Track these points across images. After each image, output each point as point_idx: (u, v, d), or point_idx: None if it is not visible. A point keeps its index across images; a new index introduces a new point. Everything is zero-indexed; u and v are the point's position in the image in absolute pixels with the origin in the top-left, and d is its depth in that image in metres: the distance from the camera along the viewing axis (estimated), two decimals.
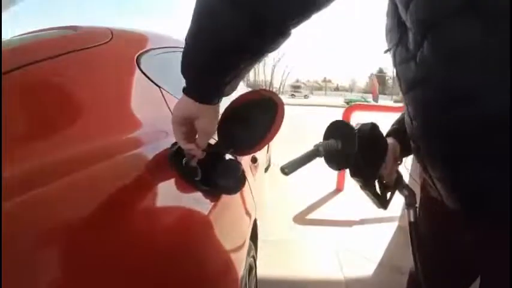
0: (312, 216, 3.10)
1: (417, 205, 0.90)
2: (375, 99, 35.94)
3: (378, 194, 0.94)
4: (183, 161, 0.70)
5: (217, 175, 0.74)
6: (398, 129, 0.97)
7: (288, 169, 0.68)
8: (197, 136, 0.67)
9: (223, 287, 0.77)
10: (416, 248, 0.85)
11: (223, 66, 0.58)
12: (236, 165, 0.78)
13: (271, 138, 0.67)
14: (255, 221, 1.24)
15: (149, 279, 0.49)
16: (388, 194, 0.97)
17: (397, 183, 0.95)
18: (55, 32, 0.83)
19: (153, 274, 0.49)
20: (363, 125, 0.86)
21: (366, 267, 2.25)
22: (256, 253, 1.39)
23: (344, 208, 3.28)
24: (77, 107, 0.63)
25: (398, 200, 0.95)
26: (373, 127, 0.86)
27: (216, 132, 0.69)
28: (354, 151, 0.77)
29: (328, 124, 0.83)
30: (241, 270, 0.86)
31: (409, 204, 0.89)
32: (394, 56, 0.77)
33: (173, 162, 0.68)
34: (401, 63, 0.74)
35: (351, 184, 3.67)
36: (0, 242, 0.32)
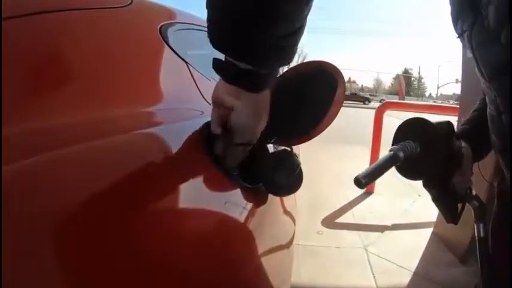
0: (341, 219, 2.95)
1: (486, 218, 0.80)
2: (401, 99, 35.59)
3: (451, 206, 0.81)
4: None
5: (268, 169, 0.57)
6: (469, 131, 0.83)
7: (365, 179, 0.56)
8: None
9: None
10: (486, 268, 0.77)
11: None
12: (293, 158, 0.58)
13: (328, 124, 0.53)
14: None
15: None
16: (459, 206, 0.82)
17: (468, 194, 0.82)
18: None
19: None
20: (438, 123, 0.73)
21: (400, 276, 2.10)
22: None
23: (375, 212, 3.09)
24: (84, 70, 0.51)
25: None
26: (450, 126, 0.74)
27: None
28: (438, 156, 0.68)
29: (401, 122, 0.71)
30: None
31: (479, 217, 0.79)
32: (470, 40, 0.68)
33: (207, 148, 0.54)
34: (480, 46, 0.66)
35: (383, 186, 3.58)
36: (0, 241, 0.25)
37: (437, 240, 2.57)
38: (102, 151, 0.38)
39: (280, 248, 0.73)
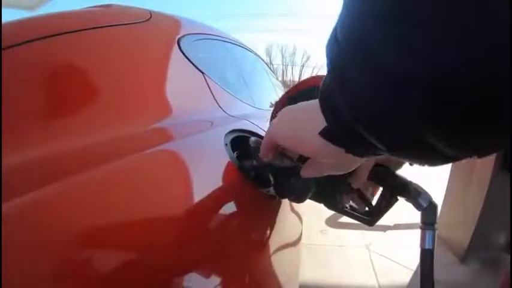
0: (344, 219, 2.95)
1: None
2: None
3: (355, 208, 0.67)
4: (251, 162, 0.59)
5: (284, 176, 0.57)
6: None
7: None
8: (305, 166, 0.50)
9: None
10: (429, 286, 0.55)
11: None
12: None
13: None
14: None
15: None
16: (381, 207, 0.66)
17: (397, 192, 0.62)
18: (86, 8, 0.75)
19: None
20: None
21: (402, 275, 2.14)
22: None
23: None
24: (104, 87, 0.54)
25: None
26: None
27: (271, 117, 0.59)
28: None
29: None
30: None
31: (426, 222, 0.56)
32: None
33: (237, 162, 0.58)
34: None
35: None
36: (0, 241, 0.27)
37: (439, 241, 2.60)
38: (126, 169, 0.41)
39: (291, 248, 0.77)
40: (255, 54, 1.99)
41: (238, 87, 1.13)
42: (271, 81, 2.16)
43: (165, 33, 0.79)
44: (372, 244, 2.50)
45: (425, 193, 0.57)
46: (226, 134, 0.63)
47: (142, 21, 0.71)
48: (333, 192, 0.63)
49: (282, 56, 54.61)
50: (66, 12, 0.64)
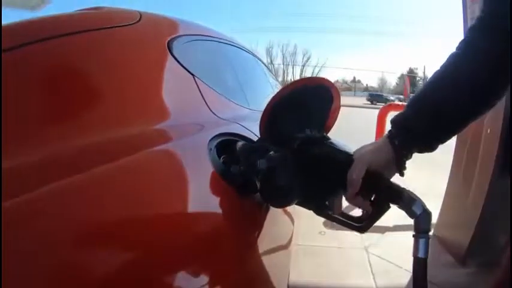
0: None
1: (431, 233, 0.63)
2: (406, 99, 35.43)
3: (348, 216, 0.66)
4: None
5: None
6: None
7: None
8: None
9: None
10: None
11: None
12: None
13: (329, 128, 0.58)
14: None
15: None
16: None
17: (389, 198, 0.61)
18: (74, 11, 0.74)
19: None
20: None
21: (399, 277, 2.12)
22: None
23: None
24: (94, 91, 0.55)
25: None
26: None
27: (260, 123, 0.59)
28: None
29: None
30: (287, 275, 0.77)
31: (420, 231, 0.56)
32: None
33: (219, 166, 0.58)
34: None
35: None
36: (0, 242, 0.28)
37: (437, 242, 2.59)
38: (117, 171, 0.43)
39: (279, 248, 0.79)
40: (253, 54, 1.99)
41: (232, 89, 1.12)
42: (269, 82, 2.15)
43: (155, 35, 0.78)
44: (370, 246, 2.50)
45: (419, 201, 0.58)
46: (211, 139, 0.62)
47: (132, 24, 0.70)
48: (326, 195, 0.63)
49: (283, 56, 54.85)
50: (56, 15, 0.65)
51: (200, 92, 0.78)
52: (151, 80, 0.67)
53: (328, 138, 0.60)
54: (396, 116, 0.63)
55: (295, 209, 1.04)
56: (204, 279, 0.43)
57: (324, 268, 2.20)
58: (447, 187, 2.71)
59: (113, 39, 0.64)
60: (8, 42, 0.48)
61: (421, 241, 0.55)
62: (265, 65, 2.56)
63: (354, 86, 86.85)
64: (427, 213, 0.57)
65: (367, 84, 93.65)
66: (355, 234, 2.61)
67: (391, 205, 0.59)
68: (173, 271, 0.40)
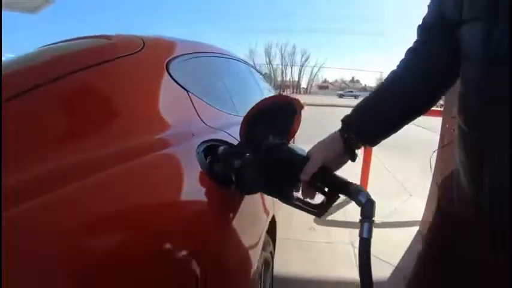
0: (332, 217, 3.12)
1: (374, 219, 0.71)
2: None
3: (308, 204, 0.81)
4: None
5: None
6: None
7: None
8: None
9: (238, 276, 0.85)
10: (366, 271, 0.68)
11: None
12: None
13: (290, 139, 0.74)
14: (273, 217, 1.30)
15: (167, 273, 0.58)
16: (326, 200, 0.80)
17: (338, 190, 0.77)
18: (90, 41, 0.91)
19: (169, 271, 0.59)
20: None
21: (384, 270, 2.26)
22: (274, 250, 1.45)
23: None
24: (109, 110, 0.72)
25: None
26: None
27: (240, 131, 0.77)
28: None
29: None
30: (255, 263, 0.92)
31: (365, 216, 0.70)
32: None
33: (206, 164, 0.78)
34: None
35: (376, 186, 3.74)
36: (0, 242, 0.37)
37: (421, 239, 2.71)
38: (130, 169, 0.61)
39: (250, 224, 0.97)
40: (246, 64, 2.15)
41: (223, 99, 1.29)
42: (260, 89, 2.31)
43: (154, 59, 0.94)
44: (356, 241, 2.60)
45: (364, 191, 0.72)
46: (199, 144, 0.79)
47: (137, 51, 0.87)
48: (285, 188, 0.78)
49: (282, 56, 54.83)
50: (76, 50, 0.82)
51: (193, 105, 0.95)
52: (153, 99, 0.84)
53: (286, 144, 0.76)
54: (346, 116, 0.79)
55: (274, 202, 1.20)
56: (195, 244, 0.65)
57: (313, 261, 2.33)
58: (430, 186, 2.85)
59: (121, 68, 0.80)
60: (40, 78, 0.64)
61: (366, 225, 0.68)
62: (259, 72, 2.72)
63: (352, 86, 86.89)
64: (371, 202, 0.70)
65: (365, 84, 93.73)
66: (342, 230, 2.79)
67: (339, 195, 0.76)
68: (174, 239, 0.61)
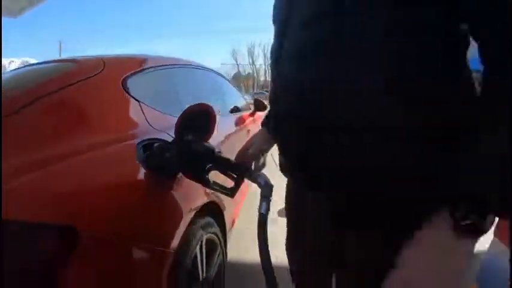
0: None
1: (271, 198, 0.92)
2: None
3: (222, 186, 1.05)
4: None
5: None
6: None
7: None
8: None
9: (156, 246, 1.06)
10: (263, 241, 0.87)
11: None
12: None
13: (209, 138, 1.01)
14: (214, 202, 1.50)
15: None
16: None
17: (244, 173, 1.01)
18: (58, 65, 1.19)
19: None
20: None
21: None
22: (223, 233, 1.64)
23: None
24: (78, 121, 1.03)
25: None
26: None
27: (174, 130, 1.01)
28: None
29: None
30: (177, 238, 1.12)
31: (264, 196, 0.91)
32: None
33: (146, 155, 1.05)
34: None
35: None
36: (0, 242, 0.57)
37: None
38: (91, 159, 0.90)
39: (177, 201, 1.17)
40: (209, 70, 2.48)
41: (173, 105, 1.54)
42: (222, 91, 2.63)
43: (112, 78, 1.23)
44: None
45: (263, 175, 0.97)
46: (139, 142, 1.06)
47: (98, 73, 1.16)
48: (200, 173, 1.03)
49: (264, 56, 54.64)
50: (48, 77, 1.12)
51: (143, 112, 1.23)
52: (109, 111, 1.13)
53: (196, 142, 0.99)
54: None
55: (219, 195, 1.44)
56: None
57: (273, 251, 2.44)
58: None
59: (84, 88, 1.10)
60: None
61: (264, 203, 0.89)
62: (226, 78, 3.00)
63: None
64: (268, 184, 0.93)
65: None
66: None
67: (244, 179, 1.01)
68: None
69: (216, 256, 1.50)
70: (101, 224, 0.82)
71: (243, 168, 1.00)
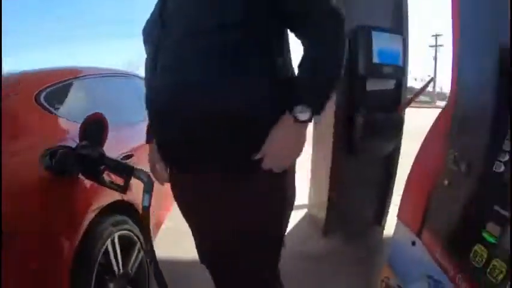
0: None
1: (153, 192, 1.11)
2: None
3: (115, 184, 1.22)
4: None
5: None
6: None
7: None
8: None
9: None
10: (147, 232, 1.13)
11: None
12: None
13: (103, 144, 1.17)
14: (125, 201, 1.53)
15: None
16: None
17: (129, 172, 1.16)
18: None
19: None
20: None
21: None
22: (143, 230, 1.55)
23: None
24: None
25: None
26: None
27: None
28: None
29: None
30: (78, 234, 1.23)
31: (145, 190, 1.10)
32: None
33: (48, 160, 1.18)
34: None
35: None
36: (0, 242, 0.70)
37: (309, 220, 3.02)
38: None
39: (78, 199, 1.31)
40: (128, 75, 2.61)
41: (85, 112, 1.59)
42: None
43: (26, 94, 1.39)
44: None
45: (146, 172, 1.15)
46: (48, 149, 1.16)
47: (14, 94, 1.33)
48: (96, 171, 1.18)
49: None
50: None
51: (57, 122, 1.41)
52: (23, 123, 1.31)
53: (89, 147, 1.15)
54: None
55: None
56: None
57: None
58: (311, 168, 3.04)
59: (7, 106, 1.26)
60: None
61: (146, 196, 1.10)
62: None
63: None
64: (150, 180, 1.12)
65: None
66: None
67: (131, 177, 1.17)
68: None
69: (135, 252, 1.56)
70: (4, 223, 0.94)
71: (129, 167, 1.17)
